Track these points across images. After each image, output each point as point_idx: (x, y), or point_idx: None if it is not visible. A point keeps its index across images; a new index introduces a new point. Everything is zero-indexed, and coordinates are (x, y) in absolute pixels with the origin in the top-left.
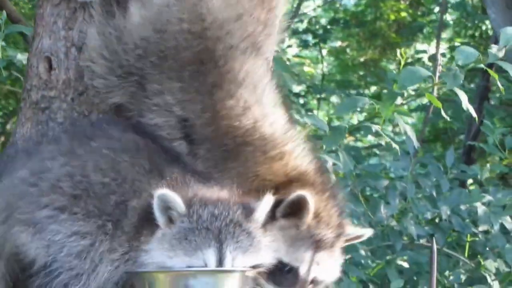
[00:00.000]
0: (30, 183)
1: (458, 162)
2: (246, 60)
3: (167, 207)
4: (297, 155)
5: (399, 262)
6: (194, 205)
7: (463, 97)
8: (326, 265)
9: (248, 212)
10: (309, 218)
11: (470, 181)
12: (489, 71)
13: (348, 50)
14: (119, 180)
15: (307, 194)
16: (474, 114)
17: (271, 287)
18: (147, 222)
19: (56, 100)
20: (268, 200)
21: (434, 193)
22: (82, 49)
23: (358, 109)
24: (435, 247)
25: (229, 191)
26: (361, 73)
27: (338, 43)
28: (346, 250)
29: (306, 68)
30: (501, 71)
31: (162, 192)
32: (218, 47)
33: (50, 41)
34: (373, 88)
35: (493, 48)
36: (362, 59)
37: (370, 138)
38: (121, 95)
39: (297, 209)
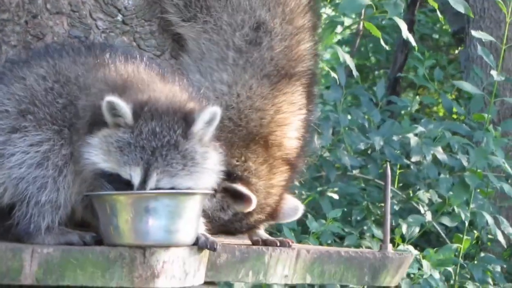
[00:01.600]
0: None
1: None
2: None
3: (115, 114)
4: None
5: (330, 194)
6: (141, 119)
7: (403, 26)
8: None
9: (188, 125)
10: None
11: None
12: (430, 1)
13: None
14: (62, 81)
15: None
16: (414, 43)
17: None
18: (99, 117)
19: (10, 23)
20: (211, 111)
21: (366, 124)
22: None
23: None
24: (389, 172)
25: (181, 95)
26: None
27: None
28: None
29: None
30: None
31: (112, 99)
32: None
33: None
34: None
35: None
36: None
37: None
38: None
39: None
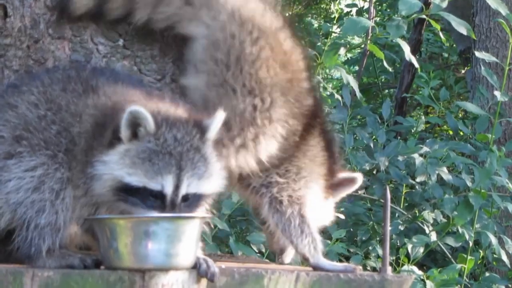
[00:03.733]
0: None
1: (391, 115)
2: None
3: (136, 124)
4: None
5: (336, 214)
6: (162, 126)
7: (406, 47)
8: None
9: (203, 131)
10: None
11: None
12: (432, 22)
13: None
14: (54, 108)
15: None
16: (417, 64)
17: None
18: (94, 140)
19: (12, 48)
20: (219, 117)
21: (372, 145)
22: None
23: None
24: (388, 195)
25: (185, 108)
26: None
27: None
28: None
29: None
30: (430, 25)
31: (136, 108)
32: None
33: None
34: None
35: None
36: (286, 14)
37: None
38: None
39: None
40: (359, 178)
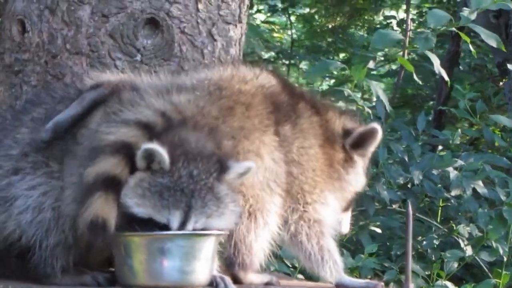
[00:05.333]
0: None
1: (429, 127)
2: None
3: (151, 159)
4: None
5: (372, 227)
6: (178, 161)
7: (435, 61)
8: None
9: (223, 170)
10: None
11: (440, 147)
12: (461, 34)
13: (316, 16)
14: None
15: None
16: (446, 78)
17: None
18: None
19: (30, 63)
20: (246, 166)
21: (406, 158)
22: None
23: (327, 77)
24: (410, 211)
25: (213, 140)
26: (330, 39)
27: (306, 10)
28: None
29: (275, 34)
30: (469, 35)
31: (150, 147)
32: None
33: (23, 4)
34: (342, 54)
35: (465, 11)
36: (330, 26)
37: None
38: None
39: None
40: (376, 126)
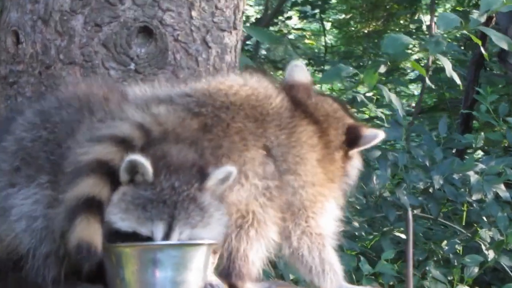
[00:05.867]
0: None
1: (456, 131)
2: None
3: (134, 171)
4: None
5: (397, 233)
6: (161, 174)
7: (447, 64)
8: None
9: (203, 179)
10: None
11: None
12: (473, 37)
13: (351, 22)
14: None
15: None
16: (458, 81)
17: None
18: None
19: (24, 74)
20: (226, 171)
21: (427, 163)
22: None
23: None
24: (410, 218)
25: (195, 151)
26: (365, 45)
27: (341, 16)
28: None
29: (306, 41)
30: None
31: (134, 158)
32: None
33: (17, 15)
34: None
35: (474, 14)
36: (365, 31)
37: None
38: None
39: None
40: (380, 134)
